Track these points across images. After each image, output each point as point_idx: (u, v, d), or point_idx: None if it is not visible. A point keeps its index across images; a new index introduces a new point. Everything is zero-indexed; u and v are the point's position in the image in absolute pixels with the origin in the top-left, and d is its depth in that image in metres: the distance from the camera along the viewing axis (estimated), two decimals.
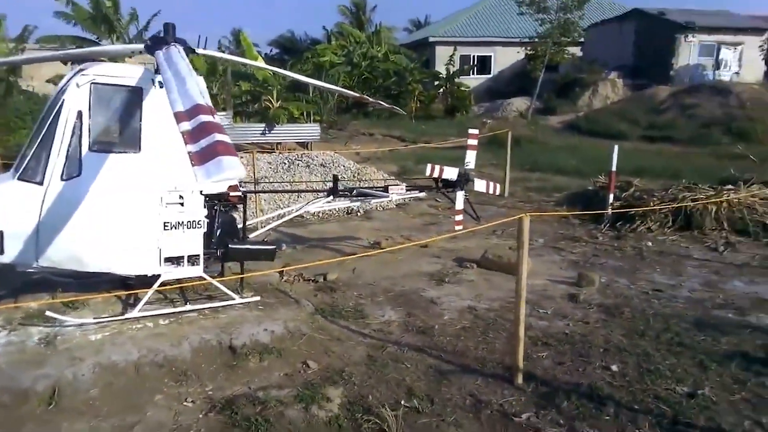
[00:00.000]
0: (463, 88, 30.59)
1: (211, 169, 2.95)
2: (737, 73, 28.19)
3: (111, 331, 5.12)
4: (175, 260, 5.41)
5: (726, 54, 28.30)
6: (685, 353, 5.23)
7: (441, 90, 31.05)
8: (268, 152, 15.37)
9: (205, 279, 5.65)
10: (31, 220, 4.87)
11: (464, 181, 7.72)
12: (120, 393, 4.55)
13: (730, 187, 9.87)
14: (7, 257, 4.95)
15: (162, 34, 5.25)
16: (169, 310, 5.47)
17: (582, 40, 30.33)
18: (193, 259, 5.49)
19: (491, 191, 8.24)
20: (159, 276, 5.39)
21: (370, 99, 8.03)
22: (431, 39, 35.59)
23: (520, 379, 4.73)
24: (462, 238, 9.51)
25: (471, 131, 8.16)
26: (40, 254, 4.97)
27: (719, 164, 14.62)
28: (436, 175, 7.51)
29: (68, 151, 4.91)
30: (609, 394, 4.57)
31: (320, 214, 10.42)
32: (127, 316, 5.26)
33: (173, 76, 4.14)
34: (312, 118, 21.18)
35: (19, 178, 4.90)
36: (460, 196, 7.76)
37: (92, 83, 4.99)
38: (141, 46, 5.55)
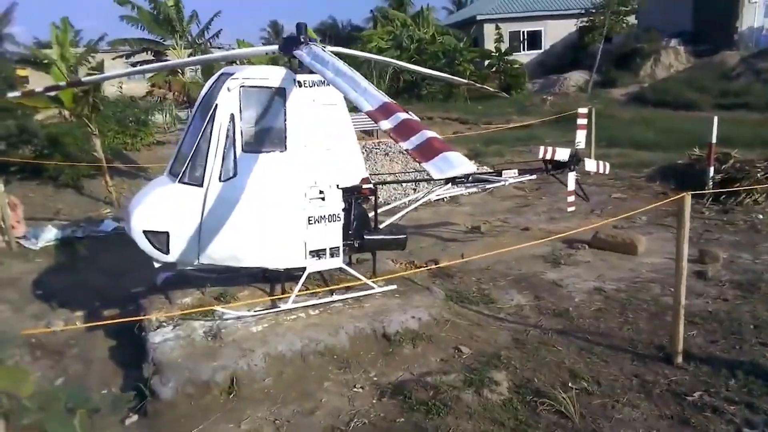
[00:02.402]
0: (516, 66, 30.11)
1: (441, 165, 3.04)
2: None
3: (269, 323, 5.34)
4: (319, 253, 5.59)
5: None
6: None
7: (493, 69, 30.62)
8: None
9: (345, 270, 5.83)
10: (193, 220, 5.11)
11: (575, 161, 7.69)
12: (291, 381, 4.78)
13: None
14: (172, 256, 5.22)
15: (294, 34, 5.39)
16: (317, 300, 5.67)
17: (636, 7, 29.40)
18: (333, 251, 5.67)
19: (601, 170, 8.17)
20: (305, 268, 5.59)
21: (477, 84, 8.03)
22: (479, 17, 35.03)
23: (679, 359, 4.76)
24: (562, 219, 9.51)
25: (580, 110, 8.09)
26: (202, 252, 5.22)
27: None
28: (548, 156, 7.50)
29: (224, 153, 5.12)
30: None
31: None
32: (282, 307, 5.49)
33: (337, 75, 4.24)
34: None
35: (180, 181, 5.14)
36: (571, 177, 7.73)
37: (242, 86, 5.18)
38: (275, 47, 5.73)
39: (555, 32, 34.78)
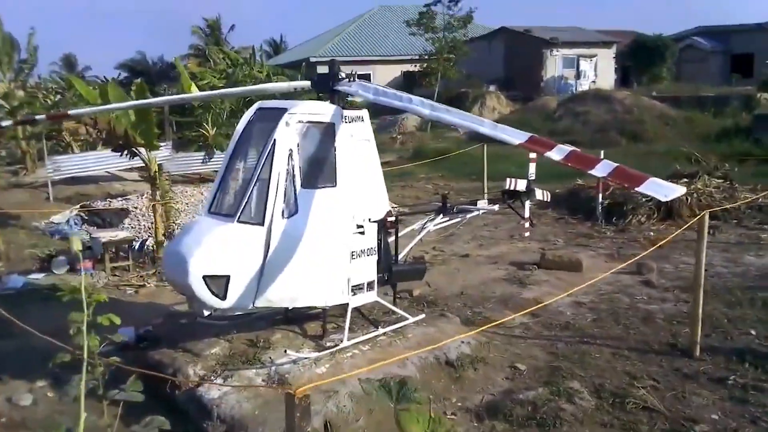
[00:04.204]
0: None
1: (658, 189, 3.36)
2: (594, 81, 32.12)
3: (329, 362, 5.15)
4: (359, 287, 5.54)
5: (584, 65, 32.19)
6: None
7: None
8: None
9: (381, 302, 5.83)
10: (255, 261, 4.77)
11: (529, 191, 8.48)
12: (381, 418, 4.68)
13: (685, 180, 11.70)
14: (228, 302, 4.77)
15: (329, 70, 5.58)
16: (368, 335, 5.58)
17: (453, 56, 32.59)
18: (370, 285, 5.66)
19: (545, 199, 9.09)
20: (347, 304, 5.50)
21: None
22: (312, 59, 36.06)
23: (697, 352, 5.60)
24: (490, 245, 10.32)
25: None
26: (260, 295, 4.86)
27: (635, 162, 16.87)
28: (512, 187, 8.18)
29: (285, 189, 4.90)
30: (766, 353, 5.59)
31: None
32: (340, 345, 5.31)
33: (434, 109, 4.47)
34: None
35: (238, 221, 4.79)
36: (527, 205, 8.50)
37: (299, 122, 5.04)
38: (307, 83, 5.79)
39: (383, 76, 37.09)
